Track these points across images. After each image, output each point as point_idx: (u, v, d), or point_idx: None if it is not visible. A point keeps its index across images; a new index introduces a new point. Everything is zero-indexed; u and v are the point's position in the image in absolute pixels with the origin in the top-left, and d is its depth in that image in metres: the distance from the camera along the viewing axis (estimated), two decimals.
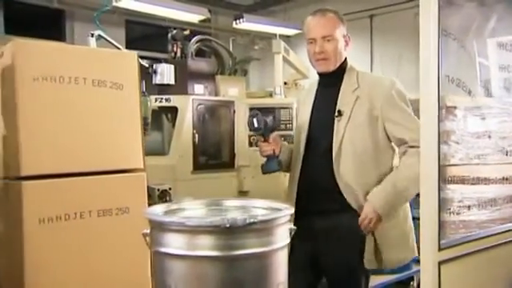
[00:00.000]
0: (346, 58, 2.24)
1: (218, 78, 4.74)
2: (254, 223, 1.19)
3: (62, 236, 1.66)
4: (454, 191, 1.80)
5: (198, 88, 4.51)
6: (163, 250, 1.29)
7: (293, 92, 5.23)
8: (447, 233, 1.78)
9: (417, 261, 4.20)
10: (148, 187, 2.01)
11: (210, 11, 5.95)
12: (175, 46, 4.49)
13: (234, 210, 1.50)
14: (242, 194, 4.52)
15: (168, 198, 2.35)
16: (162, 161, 4.09)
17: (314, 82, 2.40)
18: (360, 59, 6.81)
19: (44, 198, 1.62)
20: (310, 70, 4.31)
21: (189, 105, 4.27)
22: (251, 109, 4.43)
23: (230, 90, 4.77)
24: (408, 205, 2.27)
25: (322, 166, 2.13)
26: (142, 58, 2.76)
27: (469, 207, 1.95)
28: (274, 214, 1.29)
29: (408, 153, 2.10)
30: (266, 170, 2.25)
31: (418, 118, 1.65)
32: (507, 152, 2.13)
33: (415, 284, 3.95)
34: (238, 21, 6.00)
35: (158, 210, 1.43)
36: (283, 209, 1.32)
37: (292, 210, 1.33)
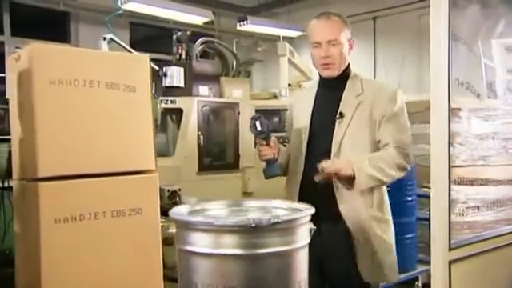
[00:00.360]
0: (349, 63, 2.24)
1: (223, 79, 4.77)
2: (278, 223, 1.24)
3: (77, 236, 1.68)
4: (459, 192, 1.82)
5: (203, 90, 4.53)
6: (189, 248, 1.33)
7: (297, 94, 5.26)
8: (454, 233, 1.80)
9: (421, 261, 4.23)
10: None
11: (213, 13, 5.98)
12: (180, 47, 4.51)
13: (255, 210, 1.54)
14: (247, 195, 4.55)
15: (178, 199, 2.37)
16: (167, 162, 4.12)
17: (313, 83, 2.40)
18: (363, 61, 6.84)
19: (60, 199, 1.64)
20: (313, 71, 4.34)
21: (194, 106, 4.30)
22: (257, 110, 4.46)
23: (235, 91, 4.79)
24: (392, 224, 2.27)
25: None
26: None
27: (473, 208, 1.97)
28: (297, 214, 1.34)
29: (390, 148, 2.10)
30: (269, 174, 2.22)
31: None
32: None
33: (420, 284, 3.96)
34: (241, 23, 6.03)
35: (183, 210, 1.48)
36: (304, 209, 1.36)
37: (313, 210, 1.36)
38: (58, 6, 6.03)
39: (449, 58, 1.58)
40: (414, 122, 4.66)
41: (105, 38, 2.81)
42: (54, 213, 1.63)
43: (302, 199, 2.11)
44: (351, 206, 2.11)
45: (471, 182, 1.97)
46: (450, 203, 1.66)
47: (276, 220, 1.23)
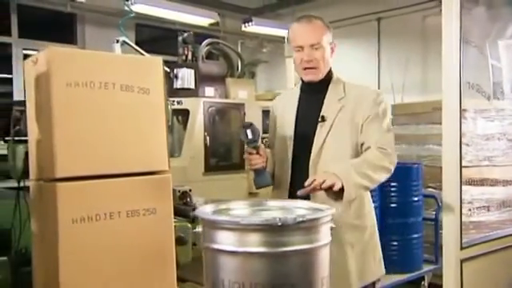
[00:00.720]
0: (330, 67, 2.23)
1: (228, 80, 4.79)
2: (302, 222, 1.28)
3: (93, 236, 1.71)
4: (465, 192, 1.84)
5: (209, 90, 4.55)
6: (216, 246, 1.37)
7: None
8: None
9: (427, 261, 4.24)
10: None
11: (218, 14, 6.02)
12: (186, 49, 4.53)
13: (277, 209, 1.57)
14: (252, 195, 4.57)
15: (189, 200, 2.40)
16: (173, 162, 4.10)
17: (295, 88, 2.38)
18: (367, 62, 6.86)
19: (77, 199, 1.67)
20: None
21: (200, 107, 4.32)
22: (264, 111, 4.48)
23: (240, 92, 4.82)
24: (375, 231, 2.23)
25: (306, 172, 2.12)
26: None
27: (479, 208, 1.99)
28: (319, 213, 1.37)
29: (374, 149, 2.09)
30: (260, 184, 2.17)
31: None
32: None
33: (426, 284, 3.98)
34: (246, 24, 6.06)
35: (208, 209, 1.52)
36: (325, 209, 1.40)
37: (333, 210, 1.39)
38: (65, 8, 6.07)
39: (460, 61, 1.60)
40: (420, 122, 4.71)
41: (118, 41, 2.83)
42: (71, 213, 1.65)
43: None
44: None
45: (477, 183, 1.99)
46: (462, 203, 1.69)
47: (301, 219, 1.27)
